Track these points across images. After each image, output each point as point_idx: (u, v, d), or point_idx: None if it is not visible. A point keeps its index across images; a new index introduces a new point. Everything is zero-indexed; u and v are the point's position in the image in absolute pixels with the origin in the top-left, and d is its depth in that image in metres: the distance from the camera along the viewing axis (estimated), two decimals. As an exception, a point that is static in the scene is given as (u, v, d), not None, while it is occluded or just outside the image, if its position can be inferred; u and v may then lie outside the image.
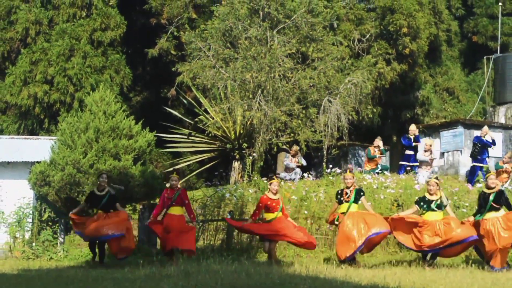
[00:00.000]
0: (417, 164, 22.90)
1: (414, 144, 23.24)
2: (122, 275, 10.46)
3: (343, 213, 14.79)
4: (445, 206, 14.57)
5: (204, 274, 10.36)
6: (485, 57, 32.38)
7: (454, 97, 33.13)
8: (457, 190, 20.09)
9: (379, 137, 23.96)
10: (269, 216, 14.99)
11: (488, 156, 23.11)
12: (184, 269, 11.22)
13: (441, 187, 15.04)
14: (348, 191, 15.00)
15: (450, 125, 26.18)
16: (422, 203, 14.61)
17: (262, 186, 19.96)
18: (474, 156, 22.97)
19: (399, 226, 14.64)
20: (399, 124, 30.03)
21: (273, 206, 14.91)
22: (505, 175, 21.97)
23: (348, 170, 16.28)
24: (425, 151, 23.10)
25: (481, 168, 22.23)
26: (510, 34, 35.96)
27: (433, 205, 14.49)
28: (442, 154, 25.80)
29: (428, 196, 14.64)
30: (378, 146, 23.49)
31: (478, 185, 20.79)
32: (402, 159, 23.72)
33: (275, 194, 15.02)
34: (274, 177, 15.75)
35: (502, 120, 28.20)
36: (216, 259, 13.67)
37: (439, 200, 14.55)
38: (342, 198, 15.00)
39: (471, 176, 22.42)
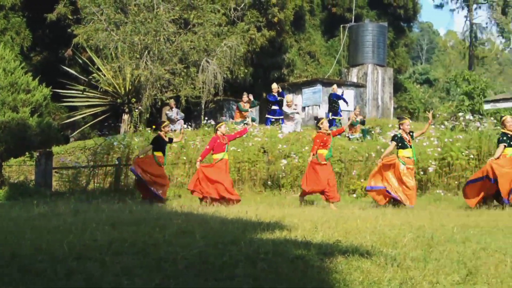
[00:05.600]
0: (282, 117, 23.28)
1: (279, 98, 23.57)
2: (17, 214, 10.24)
3: (409, 157, 14.10)
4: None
5: (92, 212, 10.28)
6: (341, 26, 33.00)
7: (315, 60, 33.72)
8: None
9: (245, 93, 24.20)
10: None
11: (341, 110, 23.73)
12: (74, 208, 11.08)
13: None
14: (408, 136, 14.21)
15: (310, 83, 26.75)
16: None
17: (146, 135, 19.81)
18: (331, 110, 23.54)
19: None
20: (268, 82, 30.33)
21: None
22: (354, 128, 22.67)
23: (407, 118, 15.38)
24: (288, 106, 23.54)
25: (335, 120, 22.78)
26: (363, 6, 36.71)
27: None
28: (304, 108, 26.32)
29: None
30: (249, 100, 23.71)
31: None
32: (268, 113, 24.05)
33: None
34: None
35: (354, 80, 28.97)
36: (104, 199, 13.61)
37: None
38: (406, 143, 14.09)
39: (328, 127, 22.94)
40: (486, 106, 25.69)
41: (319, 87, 25.92)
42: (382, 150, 17.87)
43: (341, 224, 8.60)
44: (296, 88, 27.05)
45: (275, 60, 30.61)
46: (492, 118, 19.92)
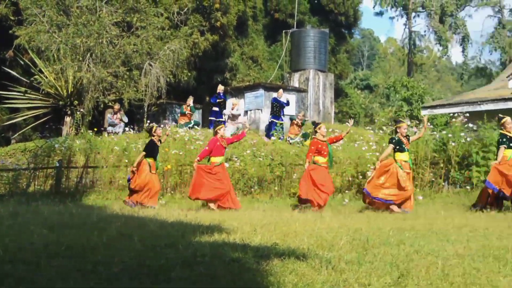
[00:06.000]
0: (223, 119, 23.29)
1: (218, 100, 23.58)
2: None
3: (406, 161, 13.79)
4: None
5: (31, 215, 10.11)
6: (284, 31, 33.15)
7: (257, 64, 33.80)
8: (255, 142, 20.58)
9: (191, 96, 24.15)
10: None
11: (284, 114, 23.86)
12: (13, 210, 10.88)
13: None
14: (405, 140, 13.92)
15: (253, 87, 26.77)
16: None
17: (88, 138, 19.56)
18: (272, 114, 23.65)
19: None
20: (211, 86, 30.30)
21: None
22: (297, 128, 22.85)
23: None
24: (232, 109, 23.58)
25: (276, 124, 22.93)
26: (305, 12, 36.95)
27: None
28: (246, 112, 26.36)
29: None
30: (189, 105, 23.68)
31: (273, 138, 21.35)
32: (210, 115, 24.01)
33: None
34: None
35: (296, 84, 29.11)
36: (45, 202, 13.40)
37: None
38: (404, 146, 13.78)
39: (268, 131, 23.06)
40: (424, 112, 26.06)
41: (261, 91, 25.97)
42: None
43: (280, 227, 8.65)
44: (239, 92, 27.06)
45: (218, 64, 30.58)
46: (429, 124, 20.24)
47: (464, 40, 56.84)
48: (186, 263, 5.61)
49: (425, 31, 60.42)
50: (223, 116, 23.70)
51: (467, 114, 17.80)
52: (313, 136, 14.73)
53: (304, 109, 27.67)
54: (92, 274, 5.09)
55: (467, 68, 62.20)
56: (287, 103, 23.82)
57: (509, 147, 13.44)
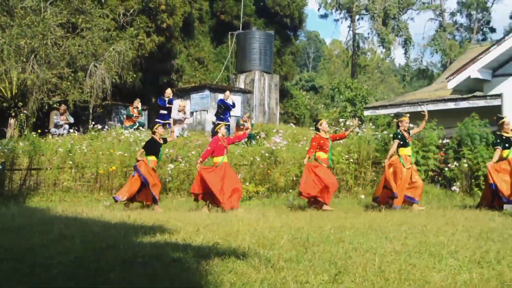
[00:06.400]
0: (169, 121, 23.14)
1: (168, 105, 23.40)
2: None
3: (409, 155, 13.56)
4: None
5: (-29, 217, 9.91)
6: (230, 33, 33.13)
7: (203, 66, 33.74)
8: (200, 143, 20.50)
9: (138, 99, 23.92)
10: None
11: (230, 116, 23.81)
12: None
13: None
14: (406, 134, 13.67)
15: (199, 89, 26.72)
16: None
17: (31, 140, 19.21)
18: (218, 115, 23.58)
19: None
20: (157, 87, 30.16)
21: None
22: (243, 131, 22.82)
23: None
24: (179, 111, 23.47)
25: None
26: (250, 14, 37.01)
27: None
28: (192, 113, 26.28)
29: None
30: (137, 107, 23.48)
31: None
32: (157, 117, 23.84)
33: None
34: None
35: (241, 86, 29.11)
36: (-14, 204, 13.14)
37: None
38: (407, 140, 13.57)
39: (214, 132, 22.90)
40: (366, 113, 26.34)
41: (207, 92, 25.93)
42: (267, 154, 18.13)
43: (222, 227, 8.64)
44: (185, 93, 26.96)
45: (164, 65, 30.44)
46: (371, 124, 20.48)
47: (407, 43, 57.69)
48: (126, 263, 5.56)
49: (368, 34, 61.10)
50: (170, 118, 23.50)
51: (408, 115, 18.02)
52: (316, 132, 14.34)
53: (250, 110, 27.71)
54: (30, 276, 5.01)
55: (409, 70, 63.14)
56: (233, 105, 23.78)
57: (505, 148, 13.22)
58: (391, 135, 16.49)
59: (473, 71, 17.45)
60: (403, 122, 13.76)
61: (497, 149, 13.31)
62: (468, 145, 16.89)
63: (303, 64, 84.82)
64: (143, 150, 14.61)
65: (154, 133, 14.90)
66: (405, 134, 13.67)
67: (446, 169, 17.18)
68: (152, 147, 14.63)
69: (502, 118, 13.62)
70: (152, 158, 14.56)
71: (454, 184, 16.84)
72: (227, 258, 5.87)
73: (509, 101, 17.46)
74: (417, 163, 16.91)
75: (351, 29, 59.08)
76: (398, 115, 14.69)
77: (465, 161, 16.76)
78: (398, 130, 13.85)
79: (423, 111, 14.16)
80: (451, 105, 22.03)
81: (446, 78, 22.17)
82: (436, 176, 17.67)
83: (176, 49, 31.05)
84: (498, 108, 17.56)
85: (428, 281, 5.18)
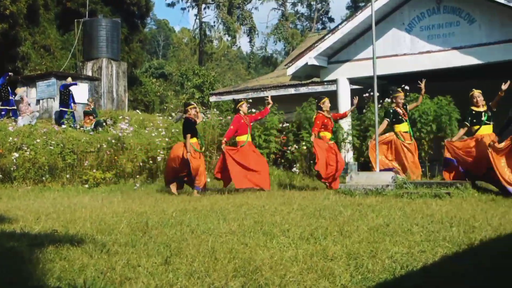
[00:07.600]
0: (15, 107, 22.33)
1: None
2: None
3: (406, 132, 13.09)
4: None
5: None
6: (76, 20, 32.21)
7: (50, 53, 32.57)
8: (46, 130, 19.77)
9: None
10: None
11: (74, 102, 23.25)
12: None
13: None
14: (402, 110, 13.16)
15: (45, 76, 25.93)
16: None
17: None
18: (62, 103, 22.98)
19: None
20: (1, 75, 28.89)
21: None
22: (88, 119, 22.32)
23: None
24: (21, 98, 22.72)
25: (66, 112, 22.07)
26: (97, 2, 36.08)
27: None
28: (38, 101, 25.44)
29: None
30: None
31: (63, 126, 20.26)
32: (2, 104, 22.81)
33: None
34: None
35: (89, 73, 28.52)
36: None
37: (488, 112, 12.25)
38: (401, 117, 13.06)
39: (59, 119, 22.17)
40: (212, 99, 26.66)
41: (53, 80, 25.14)
42: (113, 141, 17.85)
43: (64, 215, 8.47)
44: (31, 81, 26.01)
45: (8, 53, 29.18)
46: (215, 110, 20.74)
47: (251, 31, 58.67)
48: (-44, 255, 5.33)
49: (214, 22, 61.51)
50: (14, 104, 22.60)
51: (251, 100, 18.37)
52: (318, 111, 13.69)
53: (98, 97, 27.20)
54: None
55: (254, 58, 64.18)
56: (75, 83, 23.30)
57: (472, 123, 12.36)
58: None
59: (310, 58, 17.95)
60: (397, 98, 13.39)
61: (464, 126, 12.59)
62: (306, 129, 17.46)
63: (153, 52, 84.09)
64: (188, 134, 13.07)
65: (187, 111, 13.46)
66: (399, 110, 13.27)
67: (288, 151, 17.70)
68: (190, 128, 13.24)
69: (472, 91, 12.53)
70: (194, 141, 13.26)
71: (295, 165, 17.37)
72: (62, 245, 5.76)
73: (343, 86, 18.16)
74: (259, 146, 17.31)
75: (198, 17, 59.21)
76: (392, 91, 13.94)
77: (304, 143, 17.33)
78: (391, 107, 13.60)
79: (419, 84, 13.46)
80: (291, 91, 22.74)
81: (285, 65, 22.80)
82: (279, 159, 18.17)
83: (20, 36, 29.80)
84: (334, 93, 18.23)
85: (254, 258, 5.31)
